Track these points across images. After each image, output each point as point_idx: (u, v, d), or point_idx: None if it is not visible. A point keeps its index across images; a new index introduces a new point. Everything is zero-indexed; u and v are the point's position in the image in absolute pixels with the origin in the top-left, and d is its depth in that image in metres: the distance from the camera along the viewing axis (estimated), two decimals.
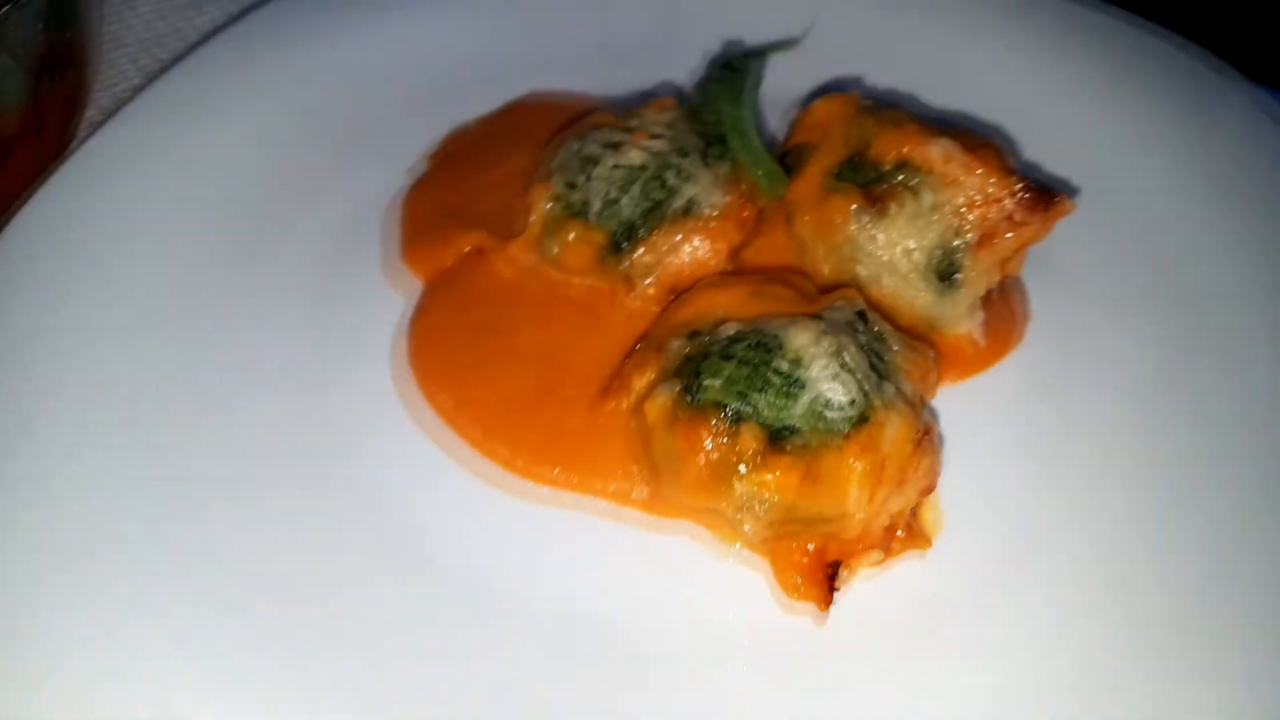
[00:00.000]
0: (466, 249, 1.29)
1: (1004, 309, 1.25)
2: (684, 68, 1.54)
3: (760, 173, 1.20)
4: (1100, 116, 1.43)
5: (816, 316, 1.04)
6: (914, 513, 1.04)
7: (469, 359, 1.20)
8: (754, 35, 1.55)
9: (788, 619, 1.02)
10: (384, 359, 1.21)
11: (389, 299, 1.27)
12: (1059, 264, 1.30)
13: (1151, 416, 1.16)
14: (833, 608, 1.01)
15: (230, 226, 1.30)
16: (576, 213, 1.20)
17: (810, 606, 1.01)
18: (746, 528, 1.02)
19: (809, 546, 1.02)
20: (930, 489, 1.01)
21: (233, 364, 1.18)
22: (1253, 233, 1.28)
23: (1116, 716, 0.94)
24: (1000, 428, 1.16)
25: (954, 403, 1.16)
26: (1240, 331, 1.21)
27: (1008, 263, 1.18)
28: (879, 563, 1.03)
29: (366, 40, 1.53)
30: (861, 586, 1.04)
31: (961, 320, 1.19)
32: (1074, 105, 1.45)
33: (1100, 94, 1.45)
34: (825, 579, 1.02)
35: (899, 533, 1.04)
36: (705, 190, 1.20)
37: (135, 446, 1.08)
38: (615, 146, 1.21)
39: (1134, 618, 1.01)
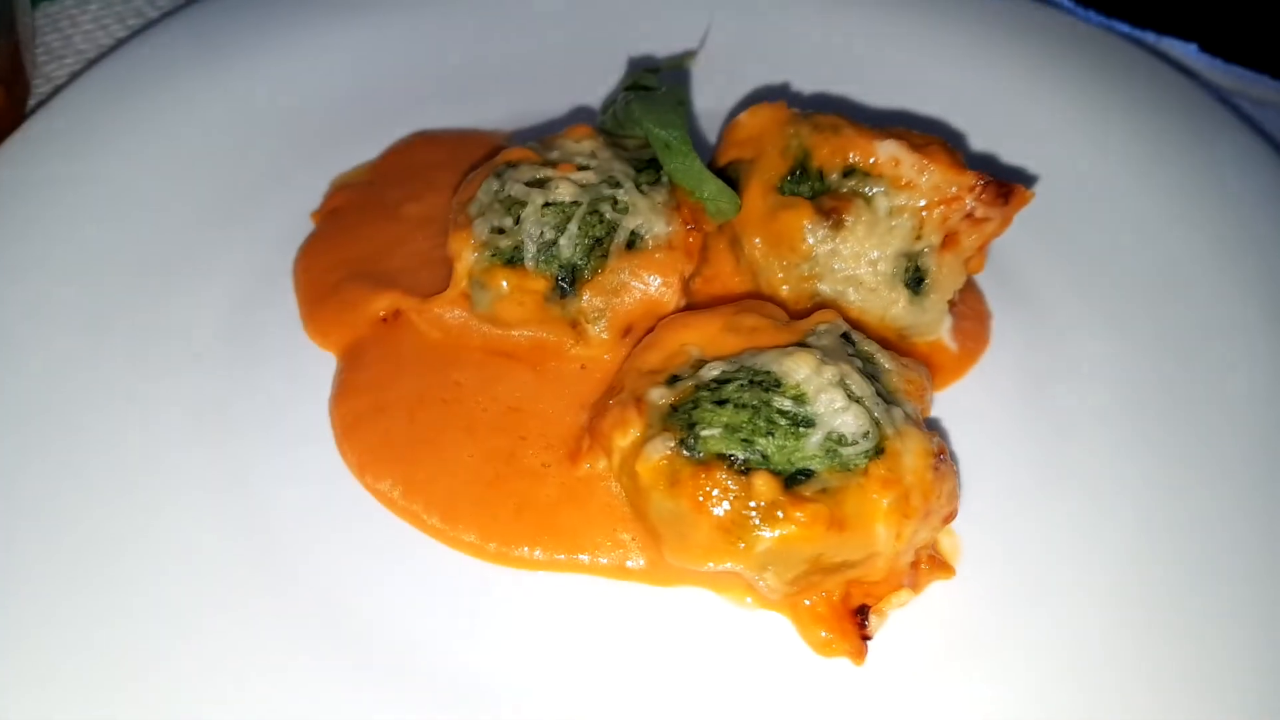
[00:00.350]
0: (381, 313, 1.15)
1: (965, 309, 1.19)
2: (574, 92, 1.44)
3: (707, 195, 1.10)
4: (1027, 105, 1.41)
5: (804, 345, 0.95)
6: (934, 542, 0.97)
7: (409, 437, 1.06)
8: (651, 49, 1.47)
9: (821, 663, 0.94)
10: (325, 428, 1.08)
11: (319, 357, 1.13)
12: (997, 255, 1.26)
13: (1140, 407, 1.12)
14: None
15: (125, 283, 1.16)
16: (509, 260, 1.08)
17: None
18: (763, 585, 0.92)
19: (831, 596, 0.93)
20: (953, 515, 0.94)
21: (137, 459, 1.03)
22: (1203, 214, 1.27)
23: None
24: (990, 435, 1.10)
25: (937, 415, 1.10)
26: (1204, 310, 1.20)
27: (970, 261, 1.12)
28: (908, 601, 0.95)
29: (233, 84, 1.36)
30: (890, 622, 0.96)
31: (933, 327, 1.13)
32: (1003, 97, 1.42)
33: (1023, 81, 1.43)
34: (855, 628, 0.93)
35: (922, 565, 0.96)
36: (647, 220, 1.10)
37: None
38: (541, 183, 1.10)
39: (1163, 611, 0.97)
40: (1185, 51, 1.65)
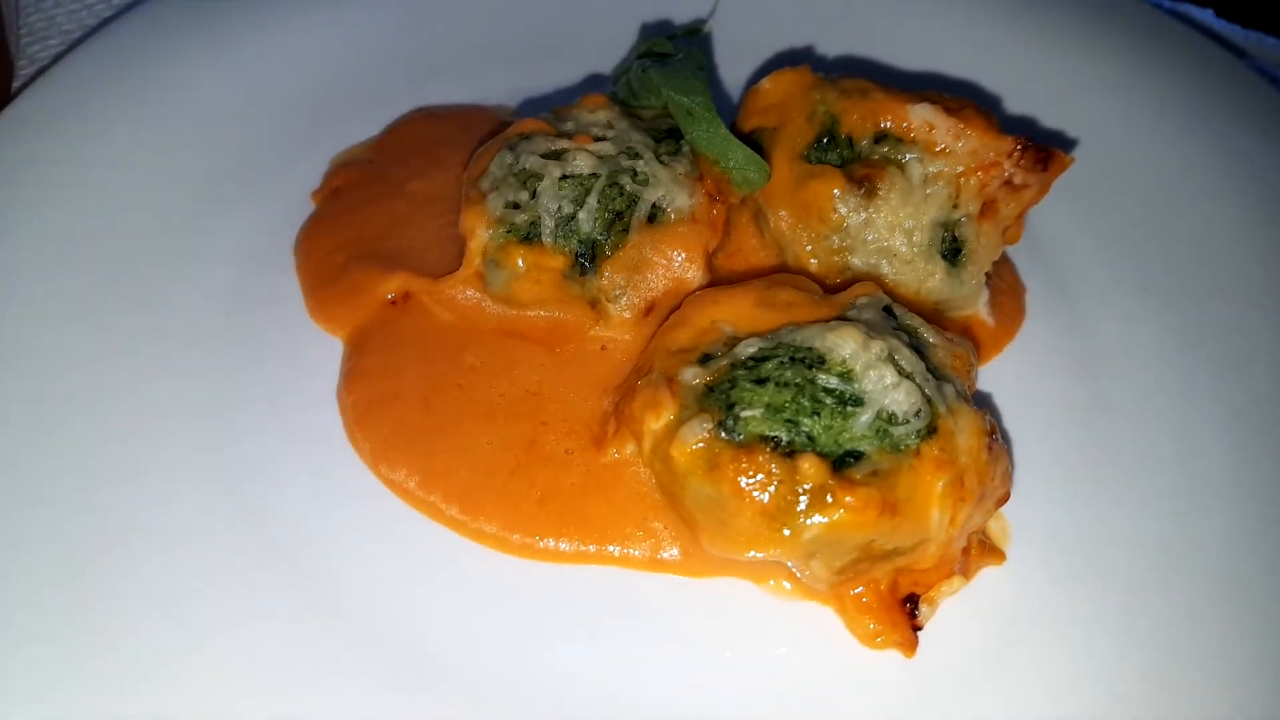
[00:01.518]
0: (389, 295, 1.09)
1: (1000, 282, 1.14)
2: (582, 62, 1.38)
3: (734, 164, 1.05)
4: (1055, 69, 1.35)
5: (844, 319, 0.89)
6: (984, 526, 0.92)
7: (424, 425, 1.00)
8: (660, 14, 1.41)
9: (870, 656, 0.89)
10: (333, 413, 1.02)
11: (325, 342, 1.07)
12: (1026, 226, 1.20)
13: (1182, 381, 1.08)
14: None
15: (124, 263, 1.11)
16: (525, 236, 1.02)
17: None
18: (807, 575, 0.87)
19: (879, 585, 0.88)
20: (1006, 497, 0.89)
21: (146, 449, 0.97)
22: (1238, 183, 1.22)
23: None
24: (1032, 412, 1.06)
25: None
26: (1241, 277, 1.15)
27: (1008, 230, 1.07)
28: (959, 589, 0.90)
29: (225, 59, 1.29)
30: (941, 612, 0.91)
31: (970, 300, 1.08)
32: (1031, 60, 1.37)
33: (1056, 43, 1.37)
34: (905, 619, 0.88)
35: (972, 551, 0.91)
36: (669, 192, 1.04)
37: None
38: (557, 155, 1.04)
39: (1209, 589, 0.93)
40: (1203, 16, 1.61)
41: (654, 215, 1.04)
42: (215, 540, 0.92)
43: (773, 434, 0.83)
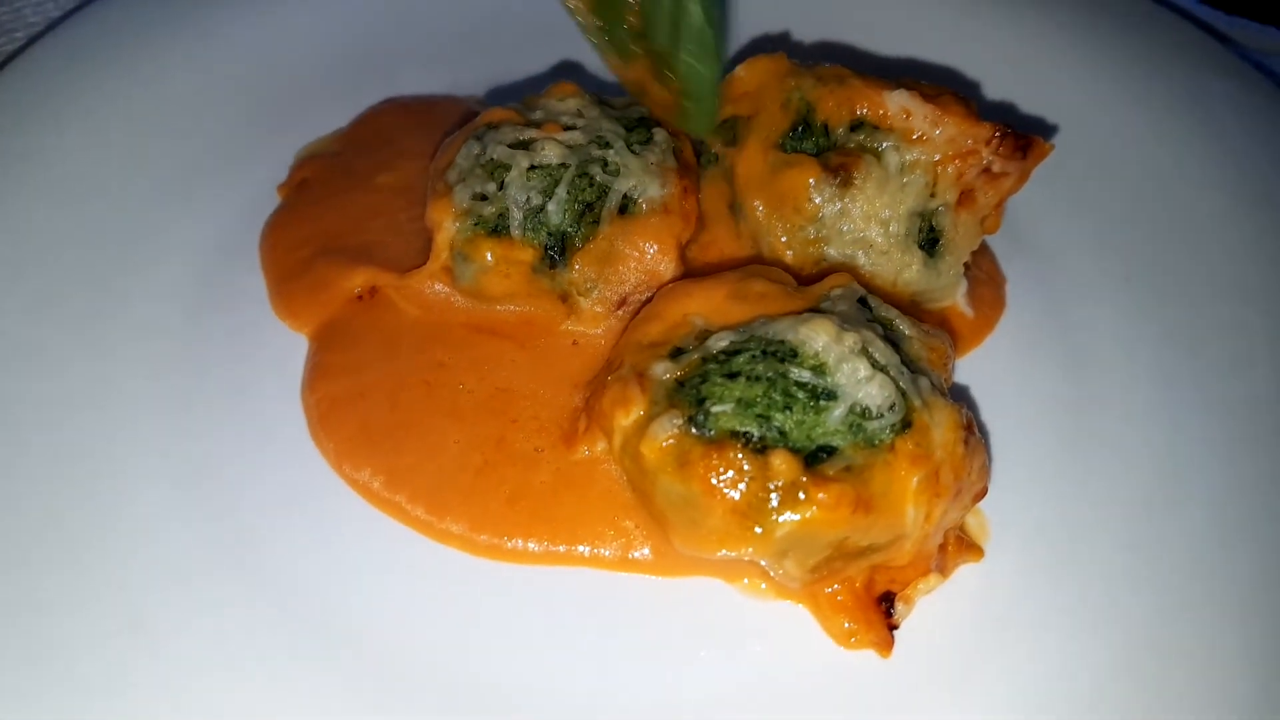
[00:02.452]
0: (356, 290, 1.07)
1: (979, 273, 1.12)
2: (552, 50, 1.36)
3: (690, 99, 1.00)
4: (1034, 54, 1.33)
5: (818, 311, 0.87)
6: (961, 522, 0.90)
7: (390, 423, 0.98)
8: None
9: (845, 656, 0.87)
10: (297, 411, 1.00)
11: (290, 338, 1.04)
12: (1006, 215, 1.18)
13: (1165, 371, 1.06)
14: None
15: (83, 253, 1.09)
16: (494, 229, 1.00)
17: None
18: (780, 573, 0.85)
19: (854, 583, 0.86)
20: (983, 493, 0.87)
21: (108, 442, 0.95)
22: (1220, 169, 1.21)
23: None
24: (1012, 405, 1.04)
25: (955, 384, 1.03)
26: (1224, 266, 1.13)
27: (986, 220, 1.05)
28: (936, 586, 0.88)
29: (189, 51, 1.27)
30: (918, 610, 0.89)
31: (948, 292, 1.06)
32: (1011, 46, 1.34)
33: (1037, 28, 1.35)
34: (881, 617, 0.86)
35: (949, 547, 0.89)
36: (640, 182, 1.02)
37: None
38: (526, 145, 1.01)
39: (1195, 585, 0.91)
40: (1187, 4, 1.59)
41: (625, 206, 1.01)
42: (176, 540, 0.90)
43: (744, 430, 0.81)
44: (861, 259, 1.02)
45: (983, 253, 1.15)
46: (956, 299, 1.08)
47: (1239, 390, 1.05)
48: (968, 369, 1.06)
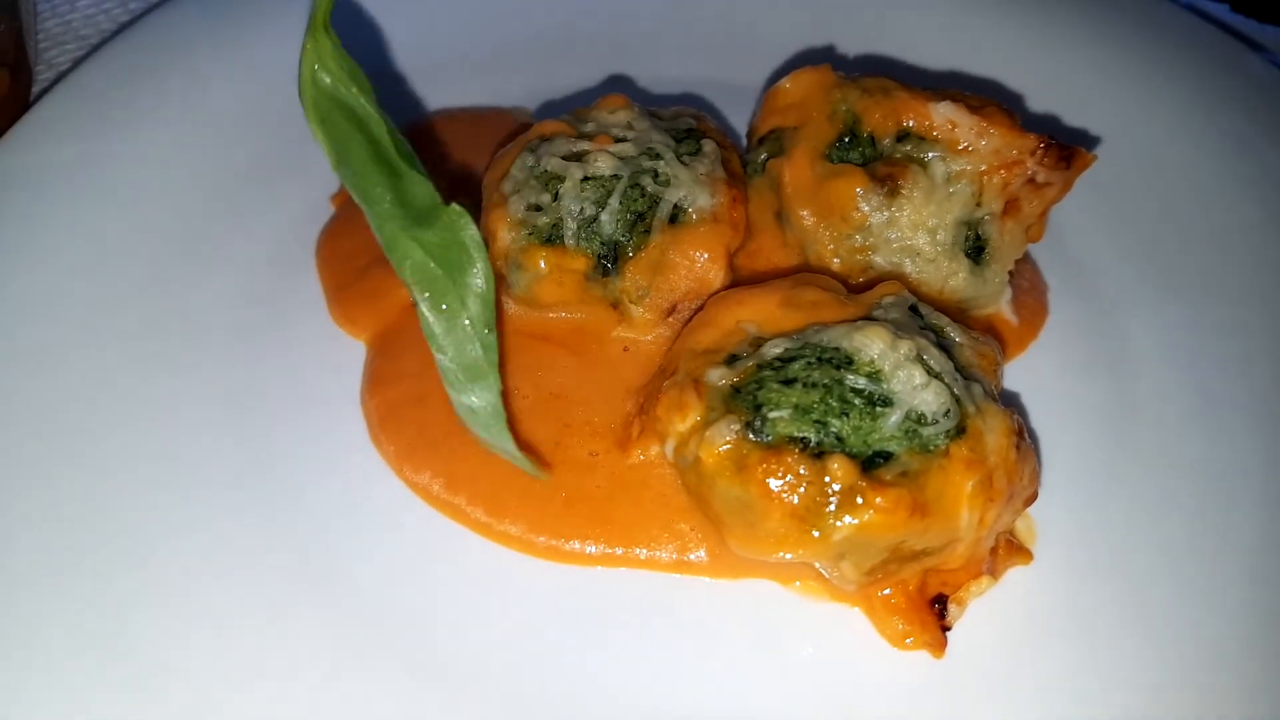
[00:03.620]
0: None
1: (1022, 281, 1.14)
2: (598, 62, 1.38)
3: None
4: (1082, 64, 1.35)
5: (870, 319, 0.89)
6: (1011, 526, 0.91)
7: (448, 428, 1.00)
8: (673, 14, 1.40)
9: (898, 657, 0.88)
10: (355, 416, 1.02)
11: (346, 343, 1.07)
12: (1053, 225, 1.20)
13: (1207, 376, 1.07)
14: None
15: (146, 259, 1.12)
16: (547, 238, 1.02)
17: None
18: (836, 576, 0.87)
19: (908, 585, 0.88)
20: (1034, 497, 0.88)
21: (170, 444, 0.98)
22: (1262, 177, 1.21)
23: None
24: (1057, 410, 1.05)
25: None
26: (1265, 275, 1.14)
27: (1030, 229, 1.07)
28: (988, 589, 0.89)
29: (242, 62, 1.29)
30: (969, 612, 0.90)
31: (993, 299, 1.08)
32: (1050, 58, 1.36)
33: (1077, 41, 1.37)
34: (934, 619, 0.87)
35: (1000, 551, 0.91)
36: (690, 192, 1.04)
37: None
38: (579, 157, 1.04)
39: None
40: (1218, 11, 1.60)
41: (675, 216, 1.03)
42: (239, 544, 0.92)
43: (801, 435, 0.83)
44: (908, 267, 1.04)
45: (1025, 260, 1.16)
46: (1001, 306, 1.09)
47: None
48: (1013, 375, 1.08)
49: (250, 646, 0.86)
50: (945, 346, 0.89)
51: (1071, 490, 0.98)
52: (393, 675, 0.86)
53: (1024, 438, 0.87)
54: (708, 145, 1.08)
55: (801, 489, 0.81)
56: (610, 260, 1.02)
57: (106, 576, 0.88)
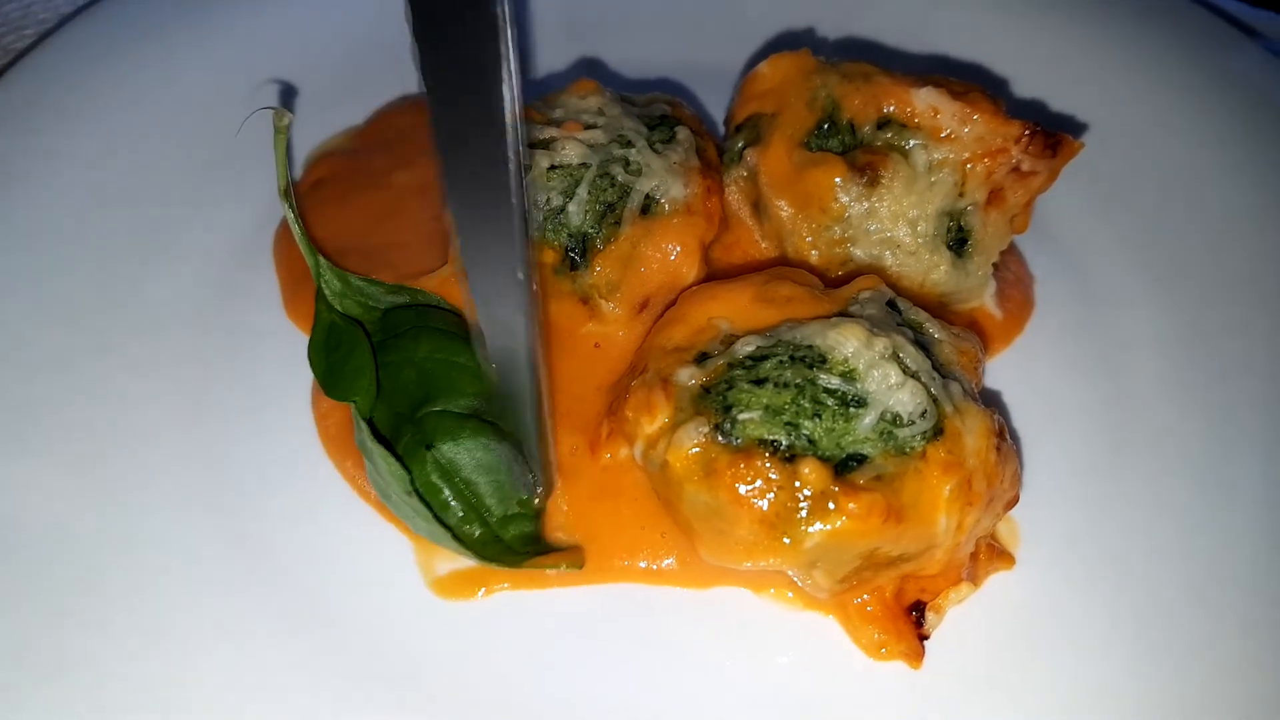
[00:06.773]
0: None
1: (1007, 273, 1.10)
2: (572, 45, 1.33)
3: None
4: (1069, 48, 1.31)
5: (847, 315, 0.85)
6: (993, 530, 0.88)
7: None
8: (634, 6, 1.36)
9: (874, 667, 0.85)
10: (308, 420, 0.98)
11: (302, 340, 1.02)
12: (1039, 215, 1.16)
13: (1197, 372, 1.04)
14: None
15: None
16: None
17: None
18: (809, 584, 0.83)
19: (884, 593, 0.85)
20: (1015, 500, 0.85)
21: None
22: (1252, 166, 1.18)
23: None
24: (1042, 408, 1.02)
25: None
26: (1256, 265, 1.11)
27: (1015, 220, 1.03)
28: (968, 596, 0.86)
29: (202, 48, 1.25)
30: (948, 620, 0.87)
31: (976, 292, 1.04)
32: (1037, 41, 1.32)
33: (1065, 25, 1.33)
34: (911, 628, 0.84)
35: (981, 556, 0.87)
36: (662, 182, 1.00)
37: None
38: (546, 144, 1.00)
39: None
40: None
41: (647, 207, 1.00)
42: (190, 540, 0.90)
43: (772, 437, 0.79)
44: (889, 259, 1.00)
45: (1011, 252, 1.12)
46: (985, 300, 1.06)
47: (1273, 392, 1.02)
48: (996, 371, 1.04)
49: (194, 650, 0.83)
50: (924, 343, 0.86)
51: (1056, 493, 0.95)
52: (343, 680, 0.83)
53: (1005, 438, 0.83)
54: (682, 133, 1.04)
55: (772, 494, 0.78)
56: (579, 253, 0.98)
57: (49, 583, 0.85)
